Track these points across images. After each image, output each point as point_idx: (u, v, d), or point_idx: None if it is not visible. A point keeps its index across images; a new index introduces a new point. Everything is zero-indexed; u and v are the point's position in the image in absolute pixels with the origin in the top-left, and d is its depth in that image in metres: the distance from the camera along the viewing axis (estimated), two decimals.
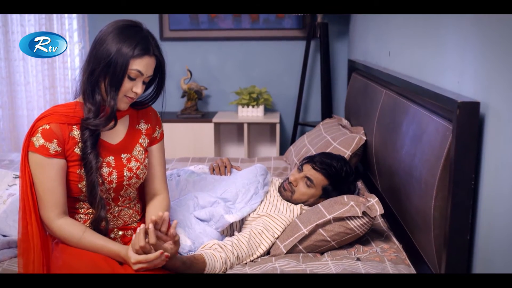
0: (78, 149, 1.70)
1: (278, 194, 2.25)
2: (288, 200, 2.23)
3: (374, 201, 2.01)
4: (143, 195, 1.94)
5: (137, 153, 1.85)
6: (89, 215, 1.78)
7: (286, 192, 2.23)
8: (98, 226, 1.76)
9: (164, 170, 1.95)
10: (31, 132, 1.67)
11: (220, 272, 1.84)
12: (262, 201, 2.16)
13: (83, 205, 1.78)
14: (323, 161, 2.22)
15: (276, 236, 2.03)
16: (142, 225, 1.64)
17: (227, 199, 2.12)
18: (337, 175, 2.21)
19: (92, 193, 1.73)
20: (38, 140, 1.66)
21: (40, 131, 1.66)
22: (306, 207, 2.19)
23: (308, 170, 2.22)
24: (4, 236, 2.03)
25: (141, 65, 1.67)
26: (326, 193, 2.19)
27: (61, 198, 1.70)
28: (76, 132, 1.71)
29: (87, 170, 1.71)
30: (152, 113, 1.94)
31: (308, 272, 1.79)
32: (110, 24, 1.70)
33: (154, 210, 1.85)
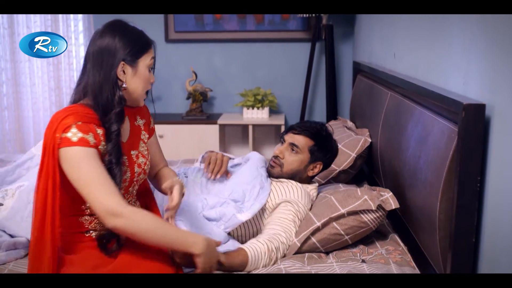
0: (101, 147, 1.69)
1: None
2: (279, 176, 2.23)
3: (388, 195, 2.03)
4: (139, 193, 1.97)
5: (142, 149, 1.87)
6: (94, 216, 1.76)
7: (275, 169, 2.24)
8: (105, 244, 1.72)
9: (163, 155, 2.08)
10: (59, 130, 1.62)
11: (265, 264, 1.88)
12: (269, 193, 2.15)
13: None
14: (302, 125, 2.27)
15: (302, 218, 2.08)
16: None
17: (236, 200, 2.11)
18: (319, 134, 2.25)
19: None
20: (76, 135, 1.61)
21: (75, 126, 1.62)
22: (302, 184, 2.21)
23: (290, 137, 2.25)
24: (12, 236, 2.03)
25: (153, 53, 1.78)
26: (313, 155, 2.22)
27: (115, 185, 1.65)
28: (99, 131, 1.69)
29: None
30: (144, 107, 1.96)
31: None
32: (109, 32, 1.71)
33: (167, 176, 1.96)
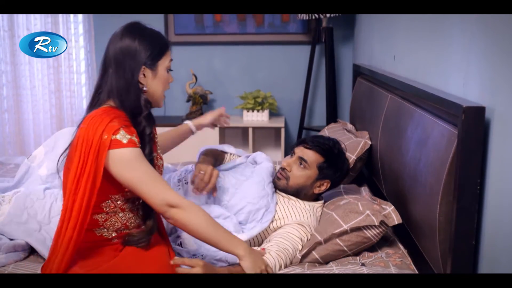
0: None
1: (284, 195, 2.19)
2: (284, 189, 2.18)
3: (390, 209, 2.00)
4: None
5: (159, 151, 1.91)
6: (110, 214, 1.76)
7: (281, 181, 2.19)
8: (131, 242, 1.75)
9: None
10: (107, 133, 1.63)
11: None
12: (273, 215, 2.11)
13: (111, 204, 1.75)
14: (315, 140, 2.20)
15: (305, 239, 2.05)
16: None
17: (241, 222, 2.08)
18: (331, 151, 2.18)
19: (151, 213, 1.76)
20: (125, 136, 1.65)
21: (122, 128, 1.65)
22: (309, 204, 2.16)
23: (301, 151, 2.19)
24: (11, 239, 2.02)
25: (170, 54, 1.83)
26: (322, 172, 2.16)
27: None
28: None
29: None
30: None
31: None
32: (128, 35, 1.72)
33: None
